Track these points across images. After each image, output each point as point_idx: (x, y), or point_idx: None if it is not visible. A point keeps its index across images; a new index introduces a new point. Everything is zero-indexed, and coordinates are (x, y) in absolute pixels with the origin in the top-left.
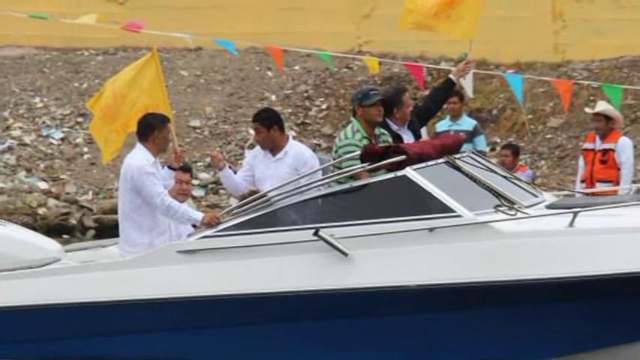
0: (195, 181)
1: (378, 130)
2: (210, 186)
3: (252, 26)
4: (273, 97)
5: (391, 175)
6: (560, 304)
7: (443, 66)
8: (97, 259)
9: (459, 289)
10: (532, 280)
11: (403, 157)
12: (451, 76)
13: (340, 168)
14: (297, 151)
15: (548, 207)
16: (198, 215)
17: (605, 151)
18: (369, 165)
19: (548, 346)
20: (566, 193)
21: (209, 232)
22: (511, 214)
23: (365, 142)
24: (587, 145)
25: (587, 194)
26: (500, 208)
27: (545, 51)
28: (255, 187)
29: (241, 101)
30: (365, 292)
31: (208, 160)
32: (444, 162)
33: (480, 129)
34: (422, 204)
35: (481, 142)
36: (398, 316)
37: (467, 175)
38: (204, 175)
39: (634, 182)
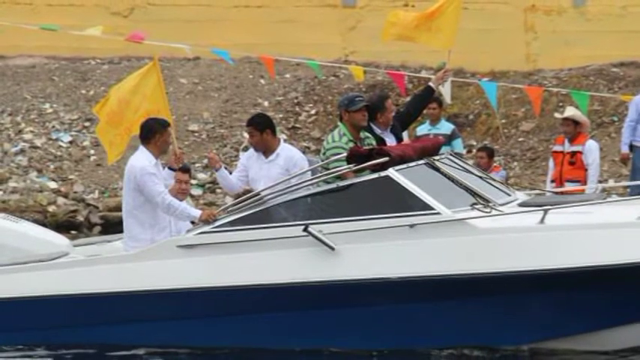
0: (193, 181)
1: (362, 134)
2: (207, 185)
3: (246, 37)
4: (266, 103)
5: (375, 175)
6: (533, 295)
7: (423, 74)
8: (103, 254)
9: (438, 281)
10: (506, 273)
11: (386, 158)
12: (430, 83)
13: (328, 169)
14: (288, 154)
15: (521, 205)
16: (197, 212)
17: (574, 153)
18: (355, 166)
19: (521, 333)
20: (537, 192)
21: (206, 229)
22: (486, 212)
23: (351, 144)
24: (557, 148)
25: (556, 193)
26: (476, 206)
27: (518, 60)
28: (249, 187)
29: (236, 107)
30: (351, 283)
31: (206, 161)
32: (424, 163)
33: (458, 133)
34: (403, 202)
35: (458, 145)
36: (381, 306)
37: (445, 175)
38: (202, 176)
39: (600, 182)
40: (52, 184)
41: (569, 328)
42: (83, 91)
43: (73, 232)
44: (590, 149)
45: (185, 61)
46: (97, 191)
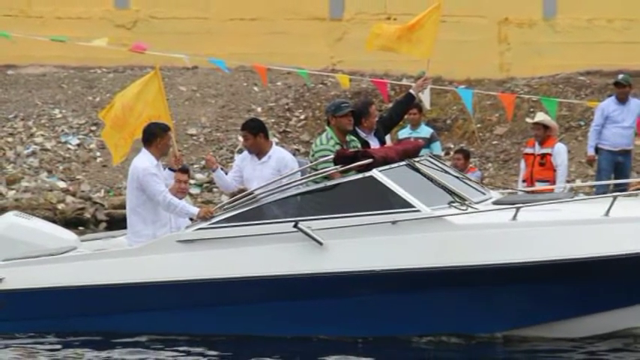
0: (192, 181)
1: (348, 137)
2: (205, 185)
3: (241, 48)
4: (259, 109)
5: (360, 175)
6: (506, 287)
7: (404, 82)
8: (108, 248)
9: (418, 273)
10: (481, 266)
11: (370, 160)
12: (411, 90)
13: (316, 169)
14: (279, 155)
15: (495, 203)
16: (195, 210)
17: (544, 155)
18: (341, 167)
19: (495, 322)
20: (509, 191)
21: (204, 225)
22: (463, 209)
23: (337, 147)
24: (528, 150)
25: (527, 192)
26: (454, 204)
27: (492, 69)
28: (244, 186)
29: (231, 112)
30: (337, 276)
31: (203, 162)
32: (405, 164)
33: (436, 136)
34: (386, 200)
35: (437, 148)
36: (366, 297)
37: (425, 175)
38: (200, 176)
39: (568, 182)
40: (61, 184)
41: (540, 317)
42: (90, 98)
43: (80, 228)
44: (559, 151)
45: (184, 70)
46: (102, 190)
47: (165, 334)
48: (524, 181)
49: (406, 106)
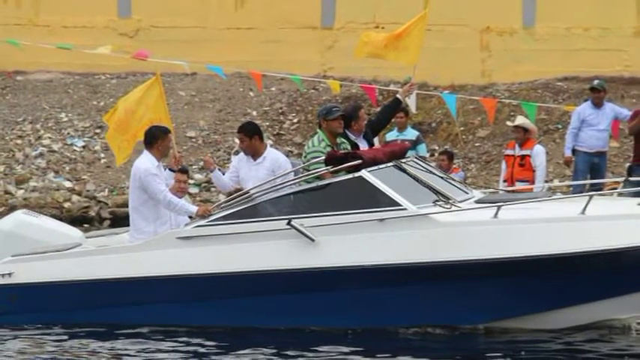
0: (191, 181)
1: (339, 140)
2: (203, 185)
3: (238, 55)
4: (254, 113)
5: (350, 176)
6: (487, 281)
7: (392, 87)
8: (112, 244)
9: (405, 268)
10: (464, 261)
11: (359, 161)
12: (398, 95)
13: (308, 170)
14: (273, 157)
15: (477, 202)
16: (194, 208)
17: (523, 157)
18: (332, 168)
19: (477, 314)
20: (491, 190)
21: (202, 222)
22: (447, 208)
23: (328, 149)
24: (509, 152)
25: (508, 191)
26: (438, 203)
27: (475, 75)
28: (240, 186)
29: (228, 116)
30: (328, 270)
31: (202, 163)
32: (393, 165)
33: (422, 138)
34: (374, 199)
35: (423, 149)
36: (355, 290)
37: (411, 176)
38: (199, 176)
39: (546, 182)
40: (68, 184)
41: (519, 310)
42: (94, 102)
43: (85, 225)
44: (538, 153)
45: (184, 76)
46: (106, 190)
47: (166, 325)
48: (504, 181)
49: (393, 110)
